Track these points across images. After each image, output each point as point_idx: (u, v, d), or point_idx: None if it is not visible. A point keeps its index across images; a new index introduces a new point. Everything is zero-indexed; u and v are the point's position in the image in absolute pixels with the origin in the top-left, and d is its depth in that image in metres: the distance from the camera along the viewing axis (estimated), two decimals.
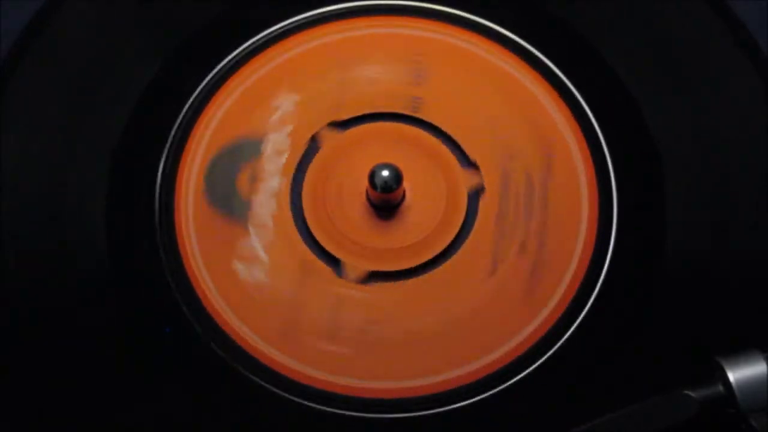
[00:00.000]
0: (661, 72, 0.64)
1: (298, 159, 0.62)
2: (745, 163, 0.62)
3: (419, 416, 0.58)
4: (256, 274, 0.60)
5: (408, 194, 0.62)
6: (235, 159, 0.62)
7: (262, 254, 0.61)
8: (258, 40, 0.65)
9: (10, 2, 0.65)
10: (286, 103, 0.63)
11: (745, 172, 0.62)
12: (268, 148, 0.62)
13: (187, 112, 0.63)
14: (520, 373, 0.58)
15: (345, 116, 0.63)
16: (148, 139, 0.63)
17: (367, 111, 0.63)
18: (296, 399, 0.58)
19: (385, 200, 0.60)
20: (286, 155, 0.62)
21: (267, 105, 0.63)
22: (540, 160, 0.62)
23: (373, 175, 0.59)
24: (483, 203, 0.61)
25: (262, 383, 0.58)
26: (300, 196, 0.62)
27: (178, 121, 0.63)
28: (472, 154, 0.62)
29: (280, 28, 0.65)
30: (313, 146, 0.63)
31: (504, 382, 0.58)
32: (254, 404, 0.58)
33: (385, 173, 0.59)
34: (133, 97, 0.63)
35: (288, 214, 0.61)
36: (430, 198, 0.62)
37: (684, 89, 0.64)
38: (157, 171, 0.62)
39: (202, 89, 0.63)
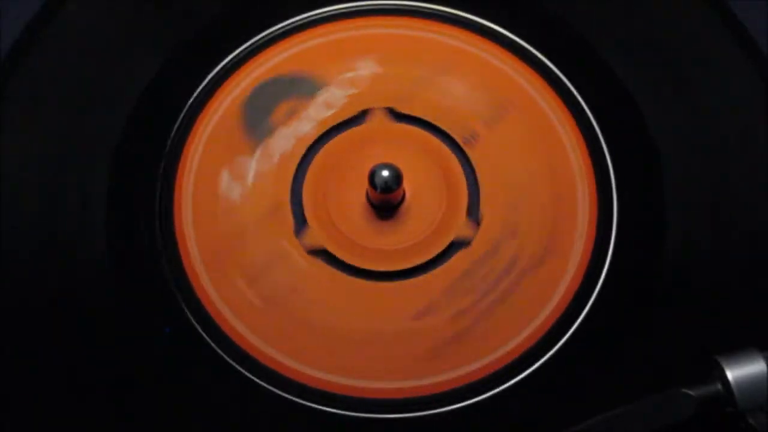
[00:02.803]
0: (661, 72, 0.64)
1: (340, 121, 0.63)
2: (745, 163, 0.62)
3: (419, 416, 0.58)
4: (233, 191, 0.61)
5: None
6: (289, 89, 0.63)
7: (249, 178, 0.61)
8: (258, 40, 0.65)
9: (11, 2, 0.65)
10: (365, 68, 0.64)
11: (745, 172, 0.62)
12: (323, 95, 0.63)
13: (187, 112, 0.63)
14: (519, 374, 0.58)
15: (404, 110, 0.63)
16: (148, 139, 0.63)
17: (420, 115, 0.63)
18: (296, 399, 0.58)
19: (386, 200, 0.60)
20: (332, 111, 0.63)
21: (348, 62, 0.64)
22: (539, 238, 0.61)
23: (373, 175, 0.59)
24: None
25: (262, 383, 0.58)
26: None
27: (178, 121, 0.63)
28: (482, 206, 0.62)
29: (280, 28, 0.65)
30: (360, 119, 0.63)
31: (504, 383, 0.58)
32: (254, 404, 0.58)
33: (385, 173, 0.59)
34: (133, 97, 0.63)
35: (295, 161, 0.62)
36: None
37: (684, 89, 0.64)
38: (157, 171, 0.62)
39: (202, 89, 0.64)
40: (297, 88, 0.64)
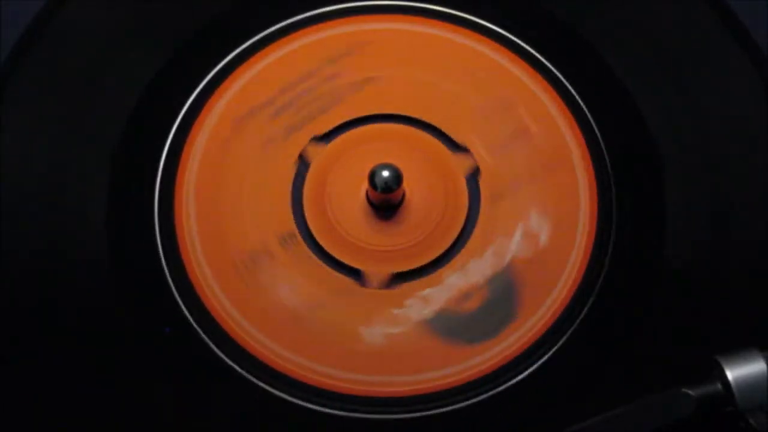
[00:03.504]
0: (661, 72, 0.64)
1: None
2: (745, 163, 0.62)
3: (419, 416, 0.58)
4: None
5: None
6: None
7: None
8: (258, 40, 0.65)
9: (10, 2, 0.65)
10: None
11: (745, 172, 0.62)
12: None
13: (187, 112, 0.63)
14: (519, 374, 0.58)
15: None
16: (148, 139, 0.63)
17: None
18: (296, 399, 0.58)
19: (385, 200, 0.60)
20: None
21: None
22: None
23: (373, 175, 0.59)
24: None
25: (262, 383, 0.58)
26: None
27: (178, 121, 0.63)
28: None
29: (280, 28, 0.65)
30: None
31: (503, 383, 0.58)
32: (254, 404, 0.58)
33: (385, 173, 0.59)
34: (133, 97, 0.63)
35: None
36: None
37: (684, 89, 0.63)
38: (157, 171, 0.62)
39: (202, 89, 0.64)
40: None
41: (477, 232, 0.61)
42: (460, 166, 0.62)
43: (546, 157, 0.62)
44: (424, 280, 0.60)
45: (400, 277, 0.60)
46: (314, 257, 0.60)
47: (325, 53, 0.64)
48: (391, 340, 0.59)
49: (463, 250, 0.61)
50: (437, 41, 0.65)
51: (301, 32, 0.65)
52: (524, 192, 0.62)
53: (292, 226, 0.61)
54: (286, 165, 0.62)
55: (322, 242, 0.61)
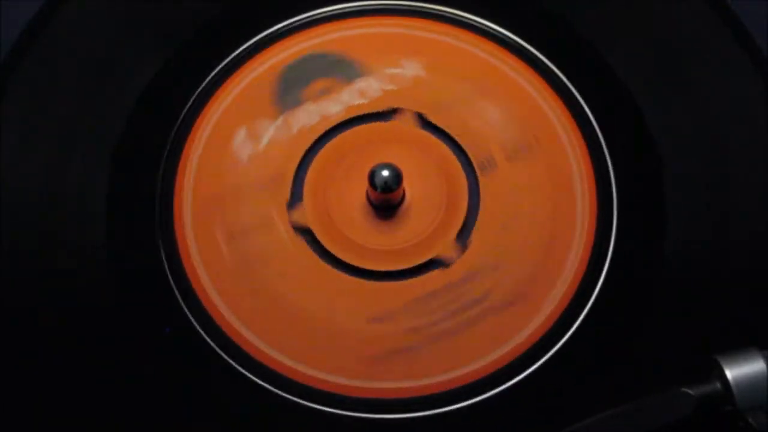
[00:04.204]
0: (661, 72, 0.64)
1: (368, 112, 0.63)
2: (745, 163, 0.62)
3: (419, 416, 0.58)
4: (243, 149, 0.62)
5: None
6: (330, 68, 0.64)
7: (264, 140, 0.62)
8: (258, 40, 0.65)
9: (11, 2, 0.65)
10: (410, 69, 0.64)
11: (745, 172, 0.62)
12: (360, 83, 0.63)
13: (187, 112, 0.63)
14: (519, 374, 0.58)
15: (433, 119, 0.63)
16: (148, 139, 0.63)
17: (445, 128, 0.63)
18: (296, 399, 0.58)
19: (385, 200, 0.60)
20: (363, 101, 0.63)
21: (395, 58, 0.64)
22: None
23: (373, 175, 0.59)
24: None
25: (262, 383, 0.58)
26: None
27: (178, 121, 0.63)
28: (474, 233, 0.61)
29: (280, 29, 0.65)
30: (387, 115, 0.63)
31: (504, 383, 0.58)
32: (254, 404, 0.58)
33: (385, 173, 0.59)
34: (133, 97, 0.63)
35: (312, 138, 0.62)
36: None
37: (684, 89, 0.63)
38: (157, 171, 0.62)
39: (202, 89, 0.64)
40: (339, 69, 0.64)
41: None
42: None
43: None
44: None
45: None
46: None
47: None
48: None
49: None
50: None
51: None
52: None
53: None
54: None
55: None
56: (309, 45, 0.65)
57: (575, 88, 0.64)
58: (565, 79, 0.64)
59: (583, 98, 0.64)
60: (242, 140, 0.62)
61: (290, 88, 0.63)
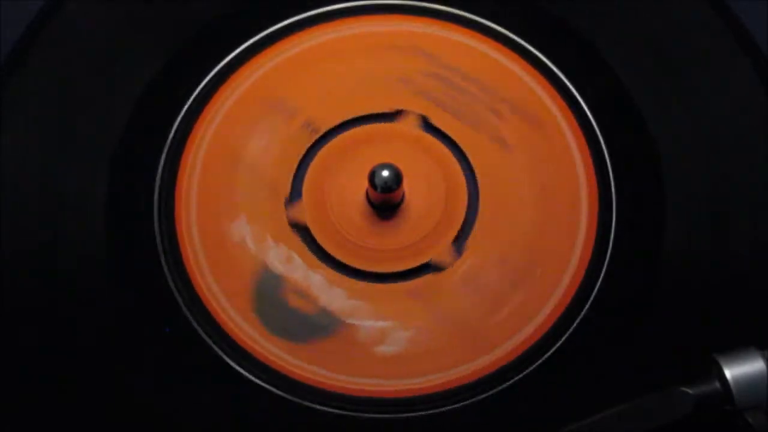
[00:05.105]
0: (661, 72, 0.64)
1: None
2: (745, 163, 0.62)
3: (419, 416, 0.58)
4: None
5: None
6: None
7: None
8: (258, 40, 0.65)
9: (10, 2, 0.65)
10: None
11: (745, 172, 0.62)
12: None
13: (187, 112, 0.63)
14: (519, 374, 0.58)
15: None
16: (148, 139, 0.63)
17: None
18: (296, 399, 0.58)
19: (385, 200, 0.60)
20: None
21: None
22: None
23: (373, 175, 0.59)
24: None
25: (262, 383, 0.58)
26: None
27: (178, 121, 0.63)
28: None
29: (280, 29, 0.65)
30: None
31: (504, 382, 0.58)
32: (254, 404, 0.58)
33: (385, 173, 0.59)
34: (133, 97, 0.63)
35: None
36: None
37: (684, 89, 0.63)
38: (157, 171, 0.62)
39: (202, 89, 0.64)
40: None
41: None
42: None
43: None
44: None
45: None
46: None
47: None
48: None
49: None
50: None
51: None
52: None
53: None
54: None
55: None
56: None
57: (575, 88, 0.64)
58: (565, 79, 0.64)
59: (583, 98, 0.64)
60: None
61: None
